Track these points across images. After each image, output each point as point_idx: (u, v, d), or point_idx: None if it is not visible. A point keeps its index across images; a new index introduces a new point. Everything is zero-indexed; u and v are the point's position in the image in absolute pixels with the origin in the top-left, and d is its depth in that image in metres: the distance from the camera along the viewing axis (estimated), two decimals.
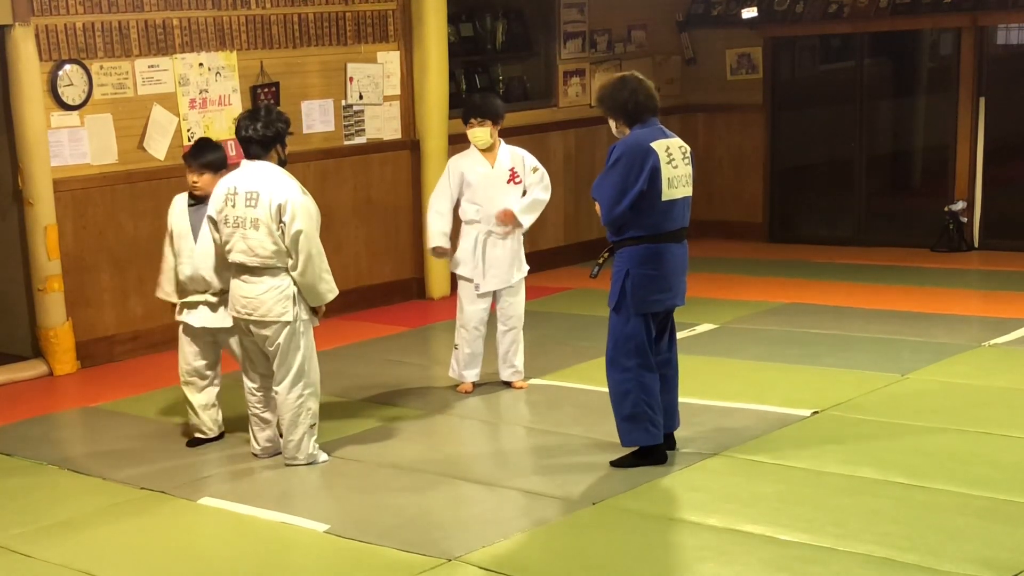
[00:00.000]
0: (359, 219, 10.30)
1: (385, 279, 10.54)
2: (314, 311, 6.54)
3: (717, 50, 12.77)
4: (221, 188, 6.47)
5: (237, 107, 9.28)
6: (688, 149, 6.28)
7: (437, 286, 10.64)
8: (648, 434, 6.22)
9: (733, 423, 6.89)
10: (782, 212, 12.84)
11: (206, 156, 6.83)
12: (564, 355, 8.47)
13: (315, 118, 9.97)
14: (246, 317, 6.43)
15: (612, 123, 6.28)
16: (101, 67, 8.74)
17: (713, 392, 7.42)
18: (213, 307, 6.79)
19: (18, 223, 8.68)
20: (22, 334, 8.87)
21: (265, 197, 6.29)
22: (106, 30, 8.76)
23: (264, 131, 6.38)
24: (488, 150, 7.60)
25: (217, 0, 9.31)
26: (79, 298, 8.76)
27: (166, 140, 9.10)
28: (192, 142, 7.16)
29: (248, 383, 6.67)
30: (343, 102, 10.14)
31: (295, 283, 6.39)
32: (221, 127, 9.17)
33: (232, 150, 8.17)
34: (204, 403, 6.97)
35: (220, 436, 7.03)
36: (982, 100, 11.55)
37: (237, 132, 6.46)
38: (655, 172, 6.04)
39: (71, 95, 8.60)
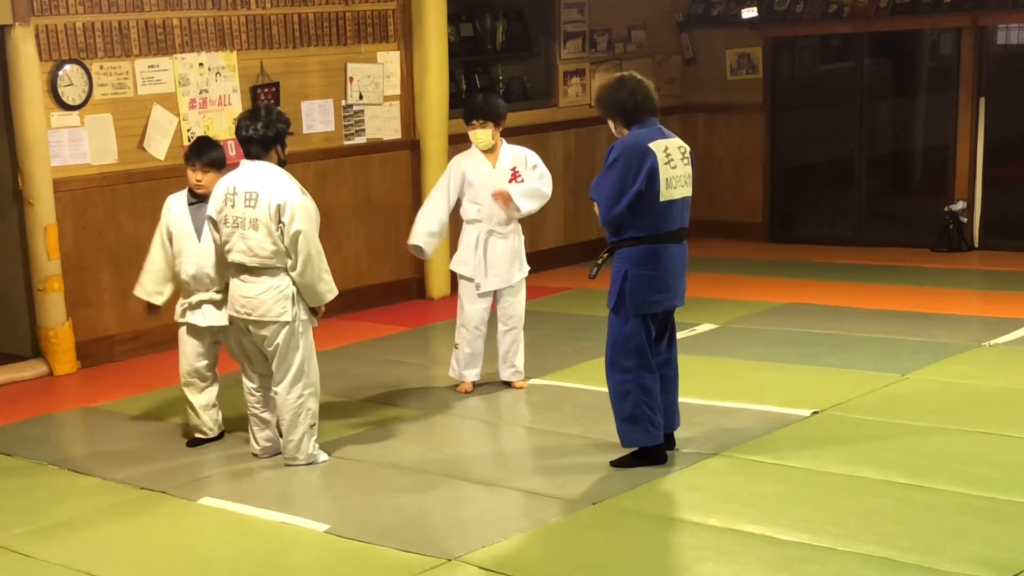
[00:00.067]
0: (359, 219, 10.30)
1: (385, 279, 10.54)
2: (313, 311, 6.54)
3: (717, 50, 12.77)
4: (220, 188, 6.47)
5: (237, 107, 9.28)
6: (688, 149, 6.27)
7: (437, 286, 10.64)
8: (648, 435, 6.22)
9: (733, 423, 6.89)
10: (782, 212, 12.84)
11: (210, 154, 6.84)
12: (564, 355, 8.47)
13: (315, 118, 9.97)
14: (245, 317, 6.43)
15: (611, 123, 6.28)
16: (101, 67, 8.74)
17: (713, 392, 7.42)
18: (218, 305, 6.78)
19: (18, 223, 8.68)
20: (22, 334, 8.87)
21: (264, 197, 6.29)
22: (106, 30, 8.76)
23: (264, 131, 6.38)
24: (490, 151, 7.60)
25: (217, 0, 9.31)
26: (79, 298, 8.76)
27: (166, 140, 9.10)
28: (191, 141, 7.14)
29: (247, 383, 6.67)
30: (343, 102, 10.14)
31: (294, 283, 6.39)
32: (221, 127, 9.17)
33: (232, 150, 8.17)
34: (205, 403, 6.97)
35: (220, 436, 7.03)
36: (982, 100, 11.55)
37: (237, 132, 6.46)
38: (653, 173, 6.04)
39: (71, 95, 8.60)
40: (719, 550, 5.27)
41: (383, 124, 10.42)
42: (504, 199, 7.49)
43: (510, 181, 7.56)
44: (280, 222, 6.27)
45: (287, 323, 6.39)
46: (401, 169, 10.53)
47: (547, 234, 11.55)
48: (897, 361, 7.97)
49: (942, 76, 11.99)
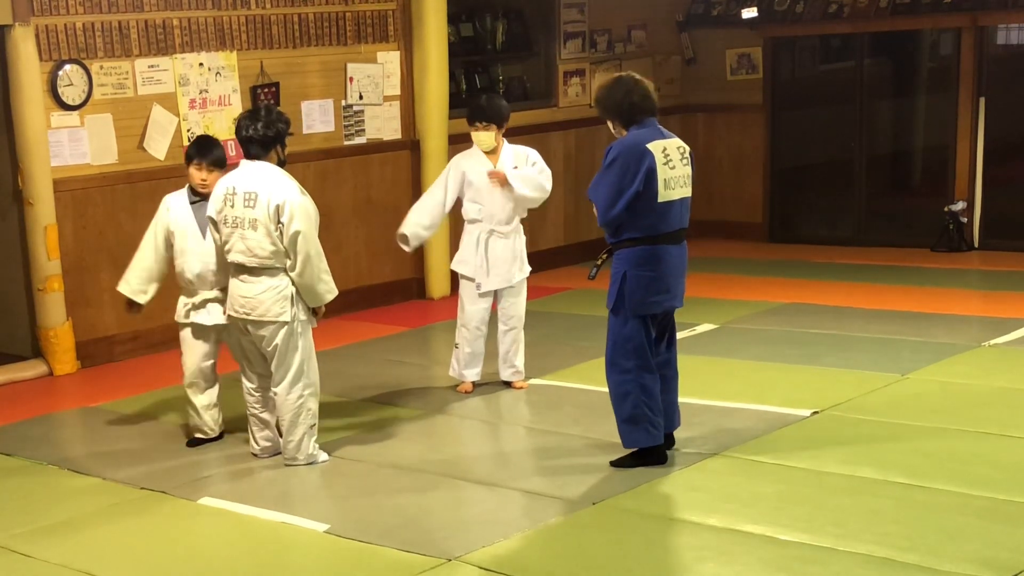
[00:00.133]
0: (359, 219, 10.30)
1: (385, 279, 10.54)
2: (314, 312, 6.54)
3: (717, 50, 12.77)
4: (220, 188, 6.46)
5: (237, 107, 9.28)
6: (687, 149, 6.27)
7: (437, 286, 10.64)
8: (649, 435, 6.22)
9: (733, 423, 6.89)
10: (782, 212, 12.84)
11: (215, 153, 6.85)
12: (564, 355, 8.47)
13: (315, 118, 9.97)
14: (244, 317, 6.43)
15: (610, 124, 6.27)
16: (101, 67, 8.74)
17: (713, 392, 7.42)
18: (221, 303, 6.77)
19: (18, 223, 8.68)
20: (22, 334, 8.87)
21: (263, 197, 6.29)
22: (106, 30, 8.76)
23: (264, 131, 6.38)
24: (491, 151, 7.60)
25: (217, 0, 9.31)
26: (79, 298, 8.76)
27: (166, 140, 9.10)
28: (192, 140, 7.12)
29: (246, 383, 6.67)
30: (343, 102, 10.14)
31: (293, 284, 6.38)
32: (221, 127, 9.17)
33: (232, 150, 8.17)
34: (206, 404, 6.97)
35: (220, 436, 7.03)
36: (982, 100, 11.55)
37: (237, 132, 6.46)
38: (651, 173, 6.03)
39: (71, 95, 8.60)
40: (719, 550, 5.27)
41: (383, 124, 10.42)
42: (500, 180, 7.47)
43: None
44: (279, 222, 6.27)
45: (286, 323, 6.39)
46: (401, 169, 10.53)
47: (547, 234, 11.55)
48: (897, 361, 7.97)
49: (942, 76, 11.98)
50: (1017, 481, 5.89)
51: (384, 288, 10.51)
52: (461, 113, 10.10)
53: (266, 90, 9.59)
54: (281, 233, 6.28)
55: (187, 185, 6.95)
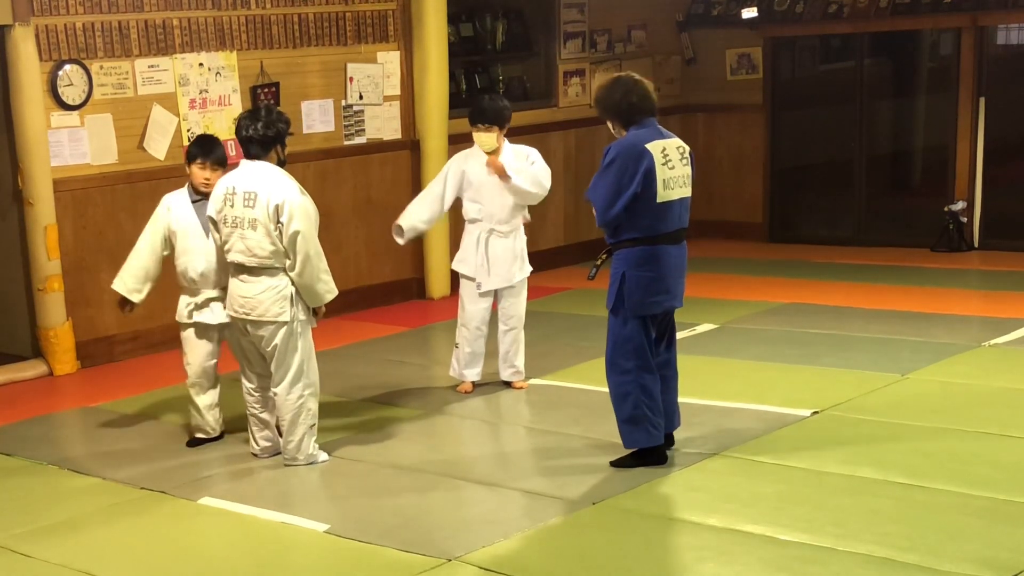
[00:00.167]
0: (359, 219, 10.30)
1: (385, 279, 10.54)
2: (314, 312, 6.54)
3: (717, 50, 12.77)
4: (220, 188, 6.46)
5: (237, 107, 9.28)
6: (687, 149, 6.26)
7: (437, 286, 10.64)
8: (649, 435, 6.22)
9: (733, 423, 6.89)
10: (782, 212, 12.84)
11: (218, 152, 6.85)
12: (564, 355, 8.47)
13: (315, 118, 9.97)
14: (244, 317, 6.43)
15: (609, 124, 6.27)
16: (101, 67, 8.74)
17: (713, 392, 7.42)
18: (223, 301, 6.76)
19: (18, 223, 8.68)
20: (22, 334, 8.87)
21: (263, 197, 6.29)
22: (106, 30, 8.76)
23: (265, 131, 6.38)
24: (492, 152, 7.59)
25: (217, 0, 9.31)
26: (79, 298, 8.76)
27: (166, 140, 9.10)
28: (193, 139, 7.11)
29: (246, 383, 6.67)
30: (343, 102, 10.14)
31: (293, 284, 6.38)
32: (221, 127, 9.17)
33: (232, 150, 8.17)
34: (209, 404, 6.96)
35: (220, 436, 7.02)
36: (982, 100, 11.55)
37: (238, 132, 6.46)
38: (649, 174, 6.02)
39: (71, 95, 8.60)
40: (719, 550, 5.27)
41: (383, 124, 10.42)
42: (498, 169, 7.46)
43: None
44: (279, 222, 6.27)
45: (285, 323, 6.39)
46: (401, 169, 10.53)
47: (547, 234, 11.55)
48: (897, 361, 7.97)
49: (942, 76, 11.98)
50: (1017, 481, 5.89)
51: (384, 288, 10.51)
52: (461, 113, 10.11)
53: (266, 90, 9.59)
54: (280, 233, 6.28)
55: (187, 184, 6.95)
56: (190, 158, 6.87)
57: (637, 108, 6.15)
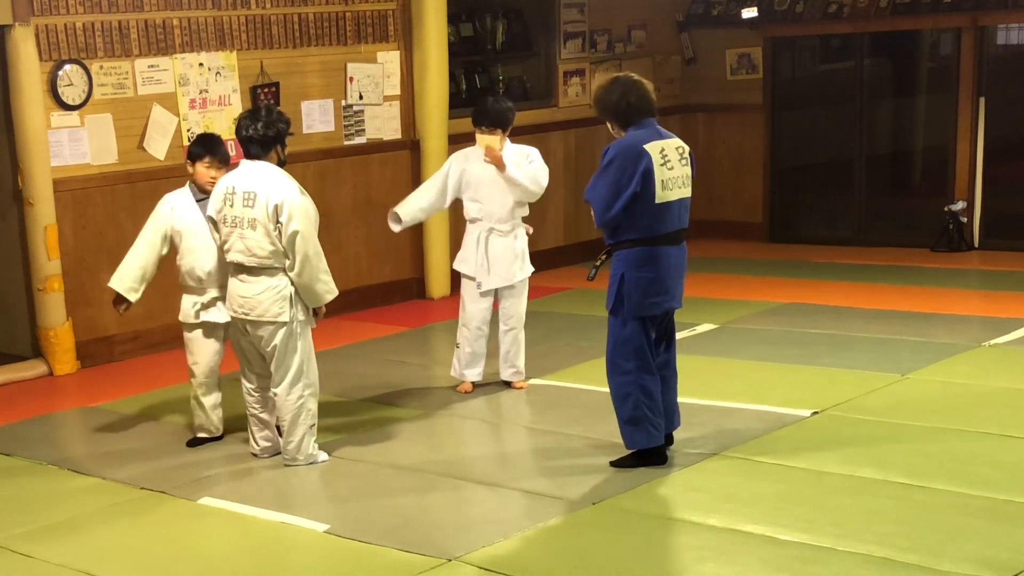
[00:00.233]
0: (359, 219, 10.30)
1: (385, 279, 10.54)
2: (314, 312, 6.53)
3: (717, 50, 12.77)
4: (220, 188, 6.46)
5: (237, 107, 9.28)
6: (687, 149, 6.25)
7: (437, 286, 10.64)
8: (650, 436, 6.22)
9: (733, 423, 6.89)
10: (782, 212, 12.84)
11: (223, 150, 6.85)
12: (564, 355, 8.47)
13: (315, 118, 9.97)
14: (243, 317, 6.42)
15: (608, 124, 6.27)
16: (101, 67, 8.74)
17: (713, 392, 7.42)
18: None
19: (18, 223, 8.68)
20: (22, 334, 8.87)
21: (263, 197, 6.28)
22: (106, 30, 8.76)
23: (265, 131, 6.38)
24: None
25: (217, 0, 9.31)
26: (79, 298, 8.76)
27: (166, 140, 9.10)
28: (195, 138, 7.08)
29: (246, 383, 6.67)
30: (343, 102, 10.14)
31: (292, 284, 6.38)
32: (221, 127, 9.16)
33: (232, 150, 8.16)
34: (214, 403, 6.96)
35: (221, 436, 7.02)
36: (982, 100, 11.55)
37: (238, 132, 6.45)
38: (648, 174, 6.01)
39: (71, 95, 8.60)
40: (719, 550, 5.27)
41: (383, 124, 10.42)
42: (495, 159, 7.46)
43: None
44: (278, 222, 6.27)
45: (285, 324, 6.38)
46: (401, 169, 10.53)
47: (547, 234, 11.55)
48: (897, 361, 7.97)
49: (942, 76, 11.98)
50: (1017, 481, 5.89)
51: (384, 288, 10.51)
52: (461, 113, 10.13)
53: (266, 90, 9.59)
54: (280, 233, 6.28)
55: (188, 184, 6.94)
56: (195, 157, 6.85)
57: (635, 109, 6.14)
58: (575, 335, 9.01)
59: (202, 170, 6.81)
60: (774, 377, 7.79)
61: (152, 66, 8.99)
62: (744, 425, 6.85)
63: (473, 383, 7.77)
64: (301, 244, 6.28)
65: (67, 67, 8.57)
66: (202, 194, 6.83)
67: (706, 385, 7.52)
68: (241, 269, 6.40)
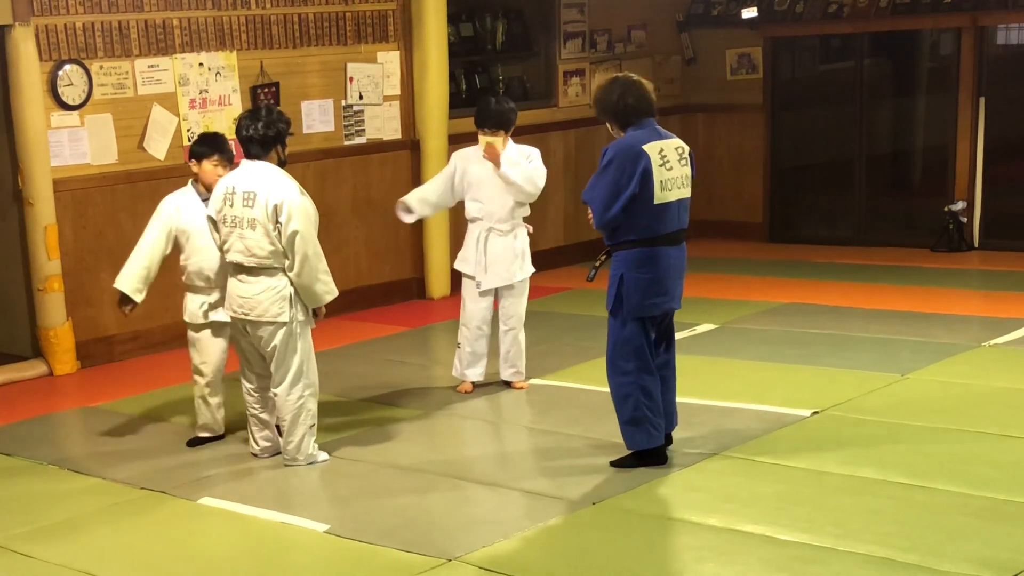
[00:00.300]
0: (359, 219, 10.30)
1: (385, 279, 10.54)
2: (314, 313, 6.53)
3: (717, 50, 12.77)
4: (220, 188, 6.46)
5: (237, 107, 9.28)
6: (687, 149, 6.25)
7: (437, 286, 10.64)
8: (650, 436, 6.22)
9: (733, 423, 6.89)
10: (782, 212, 12.84)
11: (228, 149, 6.84)
12: (565, 355, 8.47)
13: (315, 118, 9.97)
14: (243, 317, 6.42)
15: (608, 124, 6.26)
16: (101, 67, 8.74)
17: (713, 392, 7.42)
18: None
19: (18, 223, 8.68)
20: (22, 334, 8.87)
21: (262, 197, 6.28)
22: (106, 30, 8.76)
23: (265, 131, 6.38)
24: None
25: (217, 0, 9.31)
26: (79, 298, 8.76)
27: (166, 140, 9.10)
28: (199, 137, 7.06)
29: (245, 384, 6.67)
30: (343, 102, 10.14)
31: (292, 284, 6.37)
32: (221, 127, 9.16)
33: (232, 150, 8.16)
34: (219, 403, 6.97)
35: (223, 435, 7.03)
36: (982, 100, 11.56)
37: (238, 132, 6.45)
38: (647, 175, 6.01)
39: (71, 95, 8.60)
40: (719, 550, 5.27)
41: (383, 124, 10.42)
42: (493, 156, 7.45)
43: None
44: (277, 222, 6.26)
45: (284, 324, 6.38)
46: (401, 169, 10.53)
47: (547, 234, 11.55)
48: (897, 361, 7.97)
49: (942, 76, 11.99)
50: (1017, 481, 5.89)
51: (384, 288, 10.51)
52: (461, 113, 10.13)
53: (266, 90, 9.59)
54: (279, 233, 6.28)
55: (190, 183, 6.94)
56: (201, 156, 6.81)
57: (634, 109, 6.14)
58: (575, 335, 9.01)
59: (209, 168, 6.79)
60: (774, 377, 7.79)
61: (152, 66, 8.99)
62: (744, 425, 6.85)
63: (473, 383, 7.77)
64: (301, 244, 6.28)
65: (67, 67, 8.57)
66: (208, 193, 6.82)
67: (706, 385, 7.52)
68: (240, 269, 6.40)
